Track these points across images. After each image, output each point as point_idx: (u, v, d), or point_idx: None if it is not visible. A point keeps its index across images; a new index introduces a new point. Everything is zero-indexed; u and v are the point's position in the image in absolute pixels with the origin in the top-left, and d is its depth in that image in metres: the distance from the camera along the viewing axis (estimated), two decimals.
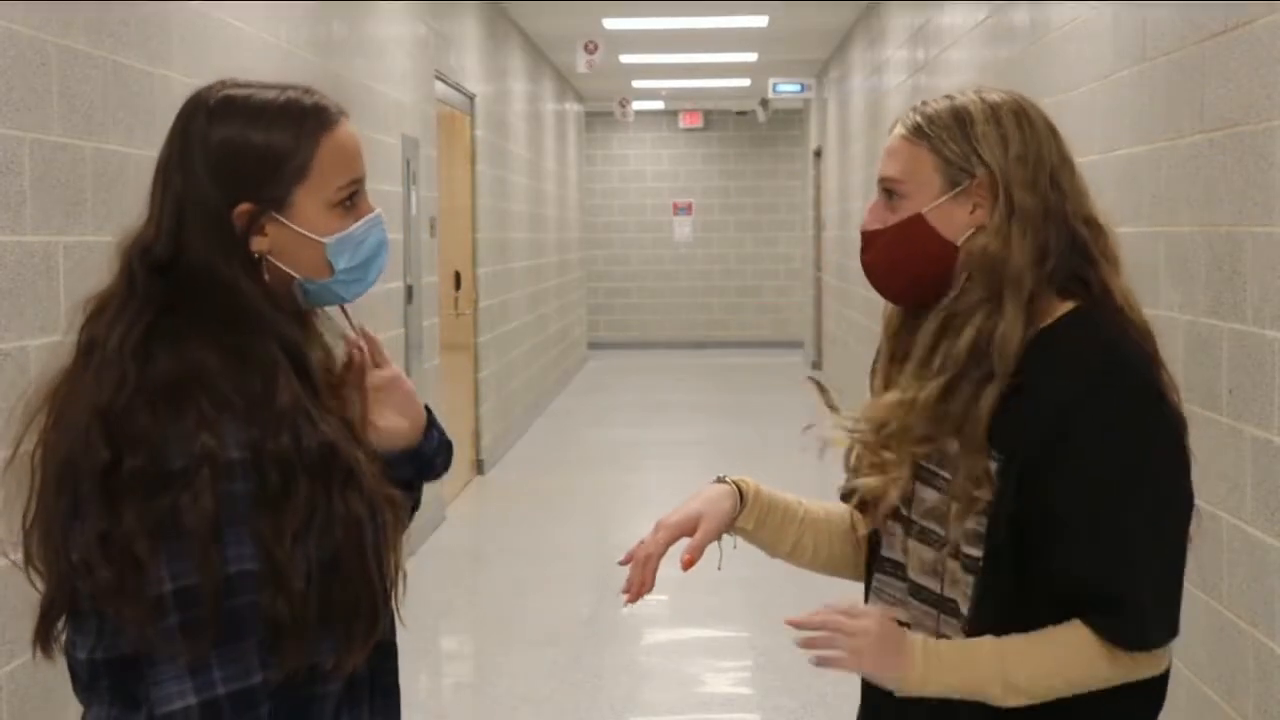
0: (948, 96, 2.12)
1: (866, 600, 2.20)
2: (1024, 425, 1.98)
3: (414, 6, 8.59)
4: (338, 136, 1.98)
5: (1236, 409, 3.81)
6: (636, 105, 19.87)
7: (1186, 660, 4.19)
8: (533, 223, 14.19)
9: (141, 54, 4.33)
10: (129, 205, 4.23)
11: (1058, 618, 1.99)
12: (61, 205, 3.82)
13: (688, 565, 2.14)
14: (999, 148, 2.05)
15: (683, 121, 21.71)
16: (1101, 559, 1.97)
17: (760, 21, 13.08)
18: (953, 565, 2.04)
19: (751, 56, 15.73)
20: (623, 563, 2.16)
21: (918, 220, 2.08)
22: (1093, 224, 2.09)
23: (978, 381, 2.01)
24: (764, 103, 18.84)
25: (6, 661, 3.51)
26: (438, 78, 9.33)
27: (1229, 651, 3.87)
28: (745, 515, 2.20)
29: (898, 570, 2.14)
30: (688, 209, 21.95)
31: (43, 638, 1.91)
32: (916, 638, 2.01)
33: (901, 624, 2.07)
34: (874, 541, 2.20)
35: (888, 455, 2.09)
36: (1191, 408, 4.16)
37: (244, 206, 1.92)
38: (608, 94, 18.94)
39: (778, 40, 14.41)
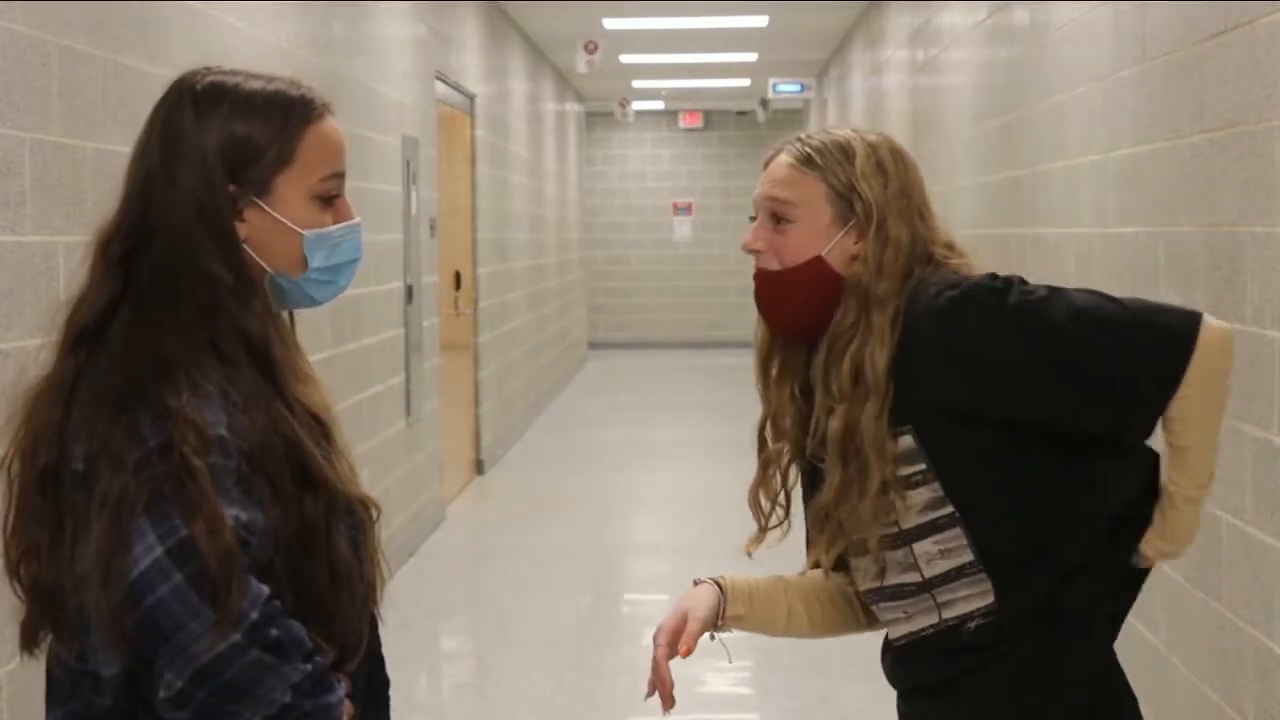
0: (826, 132, 2.25)
1: (887, 638, 2.29)
2: (915, 386, 2.11)
3: (414, 6, 8.59)
4: (323, 129, 1.98)
5: (1236, 409, 3.81)
6: (636, 105, 19.88)
7: (1186, 660, 4.19)
8: (533, 223, 14.19)
9: (141, 54, 4.33)
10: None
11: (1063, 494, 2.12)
12: (61, 205, 3.82)
13: (686, 654, 2.22)
14: (878, 182, 2.19)
15: (683, 121, 21.71)
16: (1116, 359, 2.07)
17: (760, 21, 13.08)
18: (923, 546, 2.14)
19: (751, 56, 15.73)
20: (649, 695, 2.24)
21: (818, 262, 2.18)
22: (952, 247, 2.24)
23: (862, 402, 2.14)
24: (764, 103, 18.84)
25: (6, 661, 3.51)
26: (438, 78, 9.33)
27: (1229, 651, 3.87)
28: (732, 603, 2.27)
29: (882, 593, 2.22)
30: (688, 209, 21.95)
31: (28, 643, 1.91)
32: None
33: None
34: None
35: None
36: None
37: (228, 189, 1.93)
38: (608, 94, 18.94)
39: (778, 40, 14.41)
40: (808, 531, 2.29)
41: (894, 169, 2.20)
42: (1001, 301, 2.08)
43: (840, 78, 14.87)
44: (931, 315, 2.10)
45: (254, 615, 1.77)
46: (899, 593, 2.19)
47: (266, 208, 1.95)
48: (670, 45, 14.83)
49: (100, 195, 4.03)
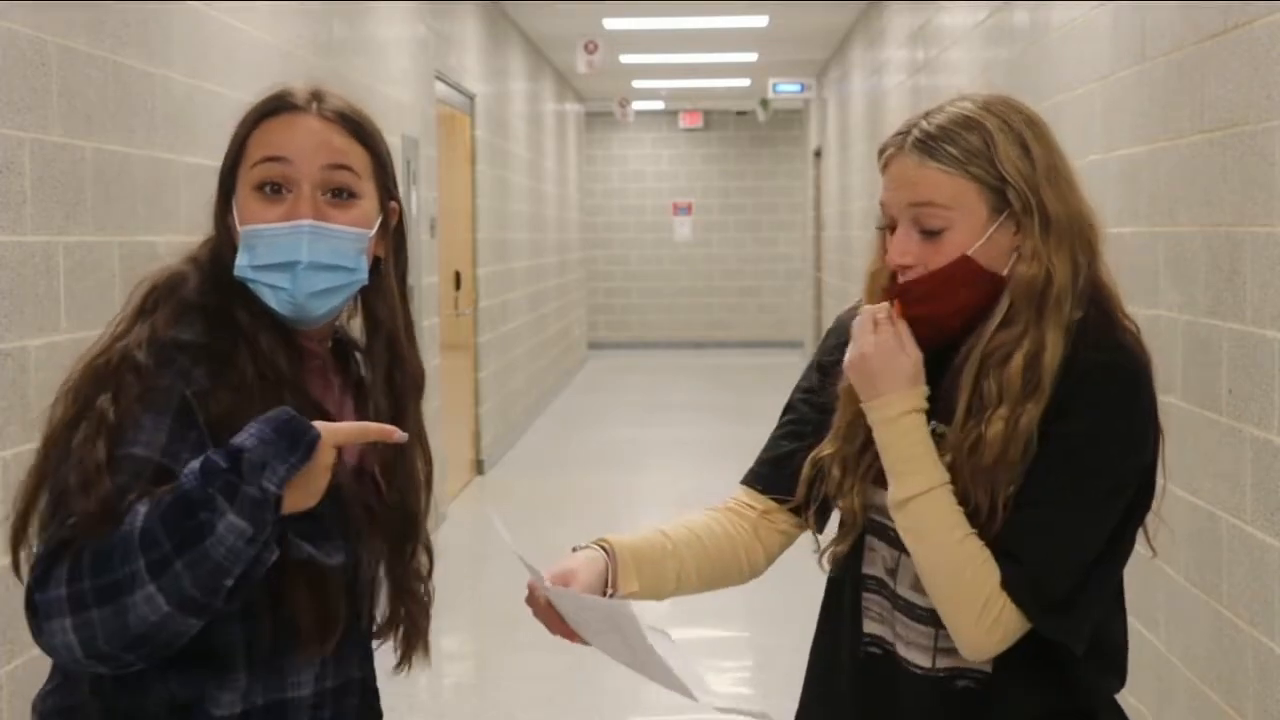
0: (943, 111, 2.04)
1: (861, 620, 2.13)
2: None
3: (414, 7, 8.59)
4: (287, 121, 1.94)
5: (1236, 409, 3.81)
6: (636, 105, 19.87)
7: (1186, 660, 4.19)
8: (533, 223, 14.19)
9: (141, 54, 4.33)
10: (129, 205, 4.25)
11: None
12: (62, 205, 3.82)
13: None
14: (1025, 162, 1.98)
15: (683, 121, 21.70)
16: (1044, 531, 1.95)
17: (760, 21, 13.08)
18: None
19: (751, 56, 15.73)
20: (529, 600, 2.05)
21: (965, 261, 1.98)
22: (1093, 221, 2.06)
23: (1025, 404, 1.96)
24: (764, 103, 18.83)
25: (7, 661, 3.51)
26: (438, 78, 9.33)
27: (1229, 651, 3.87)
28: (624, 577, 2.07)
29: (883, 588, 2.09)
30: (688, 209, 21.94)
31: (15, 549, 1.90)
32: (919, 389, 1.98)
33: (887, 649, 2.08)
34: (851, 556, 2.13)
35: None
36: (1191, 408, 4.17)
37: (223, 196, 1.96)
38: (608, 94, 18.93)
39: (778, 40, 14.41)
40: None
41: (1034, 143, 2.00)
42: (1132, 409, 1.96)
43: (840, 78, 14.87)
44: (1106, 366, 1.95)
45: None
46: (905, 609, 2.05)
47: (233, 206, 1.94)
48: (670, 45, 14.83)
49: (100, 195, 4.03)
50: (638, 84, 18.18)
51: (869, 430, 2.04)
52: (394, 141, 7.84)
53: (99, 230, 3.98)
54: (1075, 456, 1.94)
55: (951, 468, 1.98)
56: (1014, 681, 2.00)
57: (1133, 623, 5.12)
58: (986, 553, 1.93)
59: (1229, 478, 3.85)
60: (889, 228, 2.04)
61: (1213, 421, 3.97)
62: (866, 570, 2.11)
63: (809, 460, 2.15)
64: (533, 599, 2.02)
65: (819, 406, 2.18)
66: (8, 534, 1.90)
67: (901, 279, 2.02)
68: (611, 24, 13.04)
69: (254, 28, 5.50)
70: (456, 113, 10.37)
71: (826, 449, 2.13)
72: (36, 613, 1.75)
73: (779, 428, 2.25)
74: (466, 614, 7.38)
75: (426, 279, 8.79)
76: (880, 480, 2.06)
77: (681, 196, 21.95)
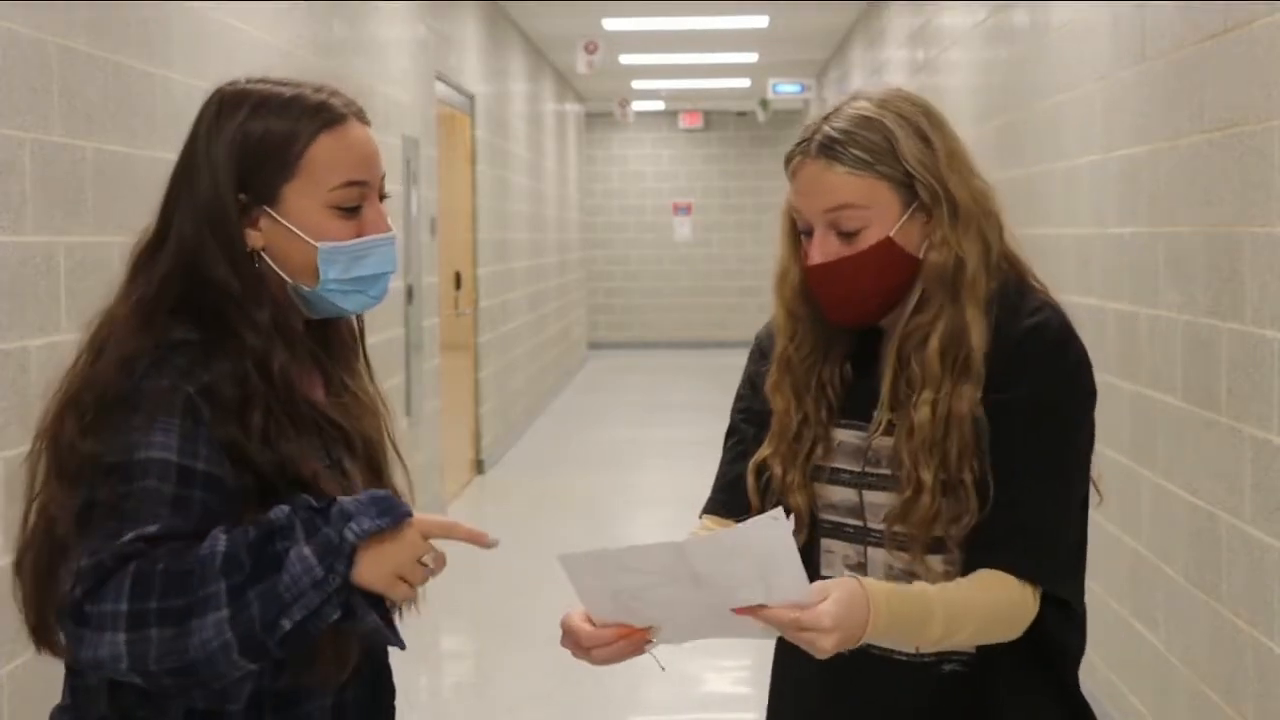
0: (841, 113, 2.05)
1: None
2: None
3: (414, 7, 8.59)
4: (340, 135, 1.94)
5: (1236, 409, 3.81)
6: (636, 106, 19.87)
7: (1186, 660, 4.19)
8: (533, 223, 14.19)
9: (142, 54, 4.33)
10: (130, 205, 4.25)
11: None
12: (62, 206, 3.82)
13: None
14: (928, 154, 2.03)
15: (682, 122, 21.71)
16: (1044, 508, 1.99)
17: (760, 22, 13.08)
18: (934, 560, 2.00)
19: (751, 57, 15.73)
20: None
21: (887, 244, 2.02)
22: (993, 196, 2.10)
23: (953, 385, 1.99)
24: (764, 103, 18.84)
25: (7, 661, 3.51)
26: (438, 78, 9.33)
27: (1229, 651, 3.87)
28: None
29: None
30: (688, 209, 21.95)
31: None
32: (879, 601, 1.86)
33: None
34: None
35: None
36: (1191, 408, 4.17)
37: (238, 197, 1.91)
38: (608, 94, 18.94)
39: (778, 41, 14.41)
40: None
41: (933, 132, 2.04)
42: (1074, 364, 2.02)
43: (840, 78, 14.87)
44: (1034, 330, 2.00)
45: (78, 593, 1.74)
46: None
47: (278, 217, 1.92)
48: (670, 45, 14.83)
49: (100, 195, 4.03)
50: (638, 84, 18.18)
51: (802, 425, 2.10)
52: (394, 141, 7.84)
53: (100, 231, 3.98)
54: (1038, 423, 1.98)
55: (895, 449, 2.02)
56: (1001, 658, 2.02)
57: (1133, 622, 5.14)
58: (994, 582, 1.95)
59: (1229, 478, 3.85)
60: (806, 232, 2.07)
61: (1212, 421, 3.97)
62: (825, 573, 2.09)
63: (750, 467, 2.16)
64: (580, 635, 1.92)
65: (757, 420, 2.20)
66: (13, 534, 1.91)
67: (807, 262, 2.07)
68: (611, 24, 13.04)
69: (254, 28, 5.50)
70: (456, 113, 10.37)
71: (765, 451, 2.15)
72: (85, 622, 1.73)
73: (726, 453, 2.26)
74: (466, 614, 7.38)
75: (426, 279, 8.79)
76: (833, 478, 2.09)
77: (681, 197, 21.96)
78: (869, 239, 2.02)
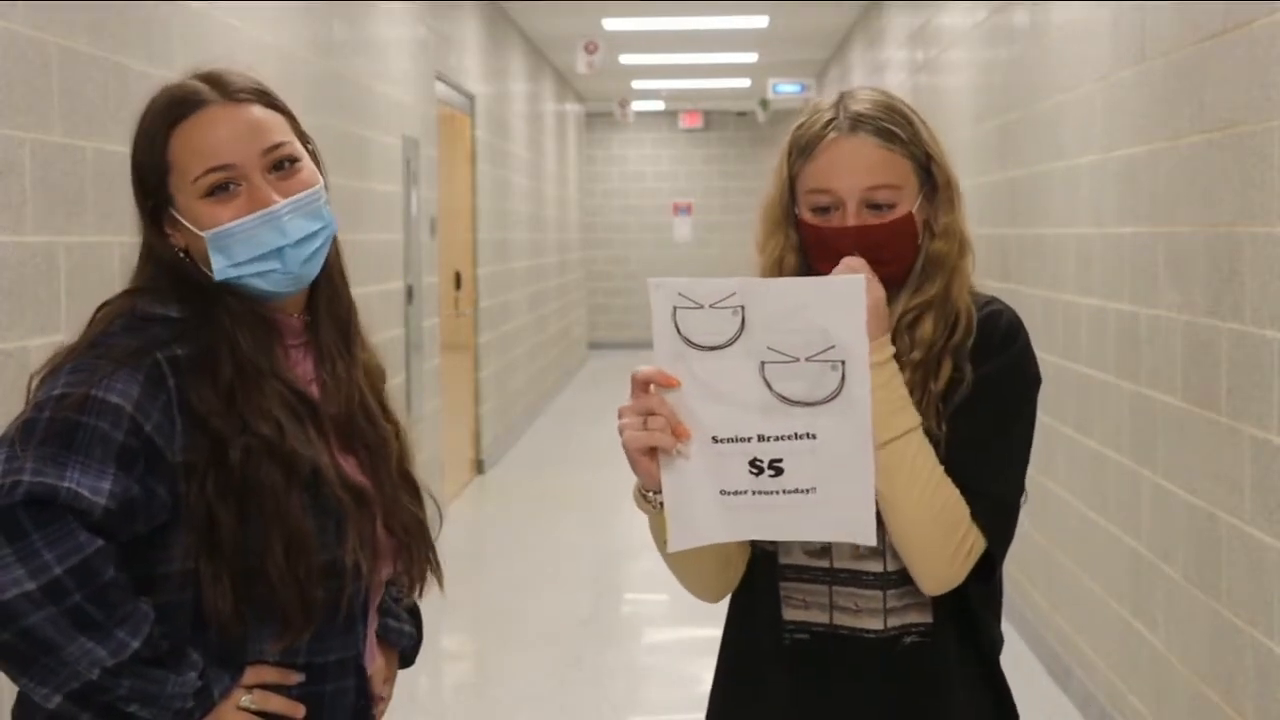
0: (873, 96, 2.10)
1: (780, 609, 2.11)
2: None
3: (414, 7, 8.60)
4: (189, 128, 1.96)
5: (1236, 409, 3.81)
6: (636, 106, 19.87)
7: (1186, 660, 4.19)
8: (533, 223, 14.20)
9: (142, 54, 4.33)
10: (130, 205, 4.23)
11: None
12: (62, 206, 3.82)
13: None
14: (935, 142, 2.09)
15: (682, 122, 21.71)
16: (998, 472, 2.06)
17: (760, 22, 13.08)
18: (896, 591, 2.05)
19: (751, 57, 15.73)
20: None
21: (910, 219, 2.07)
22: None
23: (938, 365, 2.07)
24: (764, 103, 18.83)
25: None
26: (438, 78, 9.33)
27: (1229, 651, 3.87)
28: None
29: (805, 572, 2.08)
30: (688, 209, 21.95)
31: None
32: (889, 350, 2.02)
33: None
34: (763, 554, 2.12)
35: None
36: (1191, 408, 4.17)
37: (147, 205, 1.99)
38: (608, 94, 18.94)
39: (778, 40, 14.41)
40: None
41: (928, 124, 2.12)
42: (1025, 348, 2.10)
43: (840, 78, 14.87)
44: (989, 318, 2.09)
45: (58, 570, 1.78)
46: (851, 579, 2.06)
47: (178, 216, 1.98)
48: (670, 45, 14.83)
49: (100, 195, 4.04)
50: (637, 84, 18.18)
51: None
52: (394, 142, 7.84)
53: (100, 231, 3.99)
54: (999, 392, 2.06)
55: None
56: (953, 626, 2.08)
57: (1133, 622, 5.13)
58: (957, 490, 2.01)
59: (1228, 478, 3.85)
60: (821, 210, 2.09)
61: (1212, 421, 3.97)
62: (783, 561, 2.09)
63: None
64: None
65: None
66: None
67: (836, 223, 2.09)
68: (611, 24, 13.04)
69: (254, 28, 5.50)
70: (457, 113, 10.37)
71: None
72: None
73: None
74: (466, 614, 7.38)
75: (426, 279, 8.79)
76: None
77: (681, 197, 21.96)
78: (897, 215, 2.06)
